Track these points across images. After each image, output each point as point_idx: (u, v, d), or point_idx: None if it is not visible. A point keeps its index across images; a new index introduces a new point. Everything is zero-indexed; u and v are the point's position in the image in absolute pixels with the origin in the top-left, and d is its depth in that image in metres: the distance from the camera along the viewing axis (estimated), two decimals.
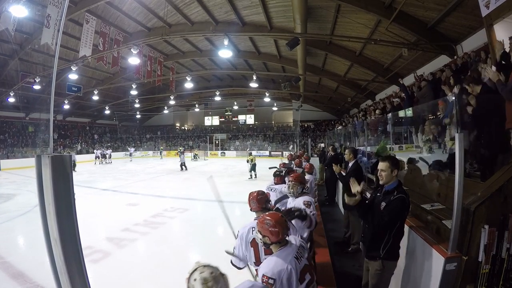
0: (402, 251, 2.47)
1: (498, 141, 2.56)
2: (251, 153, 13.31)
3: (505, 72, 2.60)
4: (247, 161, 12.39)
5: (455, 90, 3.39)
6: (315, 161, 10.45)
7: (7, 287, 3.29)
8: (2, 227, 5.58)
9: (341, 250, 4.00)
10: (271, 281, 1.47)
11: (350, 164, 4.25)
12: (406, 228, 2.45)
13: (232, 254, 2.06)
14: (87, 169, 16.95)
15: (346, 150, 4.42)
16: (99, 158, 20.97)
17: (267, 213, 1.78)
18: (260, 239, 1.68)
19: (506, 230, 1.80)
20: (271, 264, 1.54)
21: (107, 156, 21.85)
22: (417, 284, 2.22)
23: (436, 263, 1.95)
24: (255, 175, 12.05)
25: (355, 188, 2.12)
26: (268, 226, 1.62)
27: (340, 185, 5.36)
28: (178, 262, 4.07)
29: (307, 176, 4.39)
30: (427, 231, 2.31)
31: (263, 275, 1.50)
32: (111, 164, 20.69)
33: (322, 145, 13.31)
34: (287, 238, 1.70)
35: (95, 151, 22.23)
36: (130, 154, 25.43)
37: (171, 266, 3.90)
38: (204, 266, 1.24)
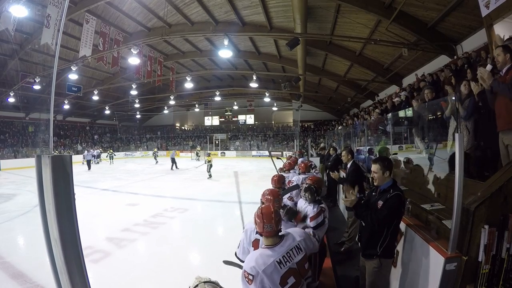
0: (402, 251, 2.48)
1: (497, 141, 2.55)
2: (209, 153, 13.43)
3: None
4: (205, 162, 12.61)
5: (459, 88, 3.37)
6: (315, 161, 10.45)
7: (7, 287, 3.29)
8: (2, 227, 5.58)
9: (339, 251, 4.02)
10: (250, 277, 1.50)
11: (348, 165, 4.25)
12: (406, 228, 2.45)
13: (231, 264, 2.06)
14: (87, 169, 16.95)
15: (343, 152, 4.43)
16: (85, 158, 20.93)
17: (264, 204, 1.78)
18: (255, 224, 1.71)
19: (506, 230, 1.79)
20: (252, 260, 1.54)
21: (95, 156, 21.68)
22: (417, 284, 2.22)
23: (436, 263, 1.95)
24: (210, 175, 12.35)
25: (351, 195, 2.13)
26: (256, 215, 1.65)
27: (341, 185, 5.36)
28: (178, 262, 4.08)
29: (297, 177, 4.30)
30: (427, 231, 2.31)
31: (244, 271, 1.53)
32: (98, 164, 20.55)
33: (323, 145, 13.30)
34: (282, 233, 1.67)
35: (85, 151, 22.12)
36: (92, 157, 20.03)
37: (171, 266, 3.90)
38: (205, 282, 1.25)
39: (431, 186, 3.19)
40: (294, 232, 1.76)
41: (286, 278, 1.54)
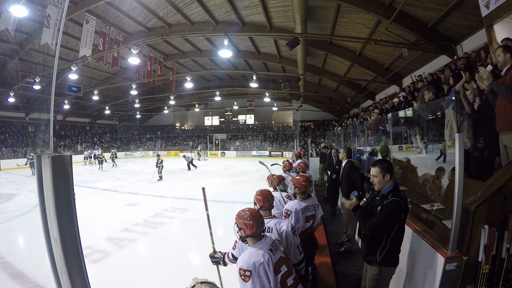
0: (402, 251, 2.48)
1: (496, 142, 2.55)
2: (159, 154, 13.30)
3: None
4: (156, 164, 12.24)
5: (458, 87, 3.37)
6: (315, 161, 10.46)
7: (7, 287, 3.29)
8: (2, 227, 5.58)
9: (339, 251, 4.01)
10: (247, 273, 1.53)
11: (343, 163, 4.32)
12: (406, 228, 2.44)
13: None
14: (87, 169, 16.96)
15: (341, 150, 4.50)
16: (88, 159, 20.55)
17: (244, 208, 1.82)
18: (237, 232, 1.75)
19: (506, 230, 1.79)
20: (246, 257, 1.60)
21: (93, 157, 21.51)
22: (417, 284, 2.22)
23: (436, 263, 1.95)
24: (161, 177, 12.07)
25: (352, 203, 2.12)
26: (244, 219, 1.70)
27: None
28: (178, 262, 4.08)
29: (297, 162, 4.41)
30: (427, 231, 2.31)
31: (240, 269, 1.56)
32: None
33: (323, 145, 13.32)
34: (263, 233, 1.77)
35: (84, 152, 21.94)
36: (92, 157, 20.18)
37: (171, 266, 3.90)
38: (202, 282, 1.26)
39: (431, 186, 3.20)
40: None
41: (279, 266, 1.62)
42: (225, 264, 2.15)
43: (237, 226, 1.73)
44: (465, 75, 3.98)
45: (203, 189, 2.31)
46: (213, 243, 2.29)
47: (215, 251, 2.23)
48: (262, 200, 2.20)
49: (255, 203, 2.23)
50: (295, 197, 2.81)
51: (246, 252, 1.65)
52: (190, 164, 15.90)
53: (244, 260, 1.57)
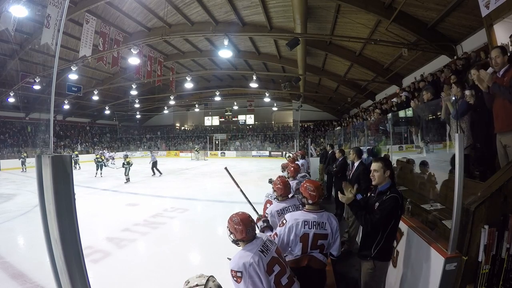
0: (402, 251, 2.48)
1: (491, 141, 2.55)
2: (127, 155, 12.84)
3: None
4: (123, 165, 11.62)
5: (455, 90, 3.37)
6: (315, 161, 10.46)
7: (7, 287, 3.29)
8: (2, 227, 5.58)
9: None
10: (239, 274, 1.56)
11: (356, 165, 4.12)
12: (406, 228, 2.45)
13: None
14: (87, 169, 16.94)
15: (351, 150, 4.30)
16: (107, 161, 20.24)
17: (237, 212, 1.83)
18: (229, 236, 1.77)
19: (506, 230, 1.79)
20: (236, 258, 1.62)
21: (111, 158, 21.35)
22: (417, 284, 2.22)
23: (436, 263, 1.95)
24: (128, 179, 11.56)
25: (349, 193, 2.11)
26: (234, 224, 1.71)
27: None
28: (178, 262, 4.08)
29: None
30: (427, 231, 2.31)
31: (231, 270, 1.59)
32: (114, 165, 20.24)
33: (325, 144, 13.30)
34: (255, 235, 1.78)
35: (99, 152, 21.73)
36: (107, 160, 16.64)
37: (171, 266, 3.90)
38: (211, 276, 1.31)
39: (431, 186, 3.20)
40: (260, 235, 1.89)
41: (271, 266, 1.65)
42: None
43: (229, 230, 1.75)
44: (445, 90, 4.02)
45: (226, 168, 2.57)
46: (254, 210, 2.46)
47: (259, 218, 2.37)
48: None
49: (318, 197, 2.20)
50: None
51: (237, 254, 1.68)
52: (154, 167, 13.42)
53: (235, 262, 1.60)
